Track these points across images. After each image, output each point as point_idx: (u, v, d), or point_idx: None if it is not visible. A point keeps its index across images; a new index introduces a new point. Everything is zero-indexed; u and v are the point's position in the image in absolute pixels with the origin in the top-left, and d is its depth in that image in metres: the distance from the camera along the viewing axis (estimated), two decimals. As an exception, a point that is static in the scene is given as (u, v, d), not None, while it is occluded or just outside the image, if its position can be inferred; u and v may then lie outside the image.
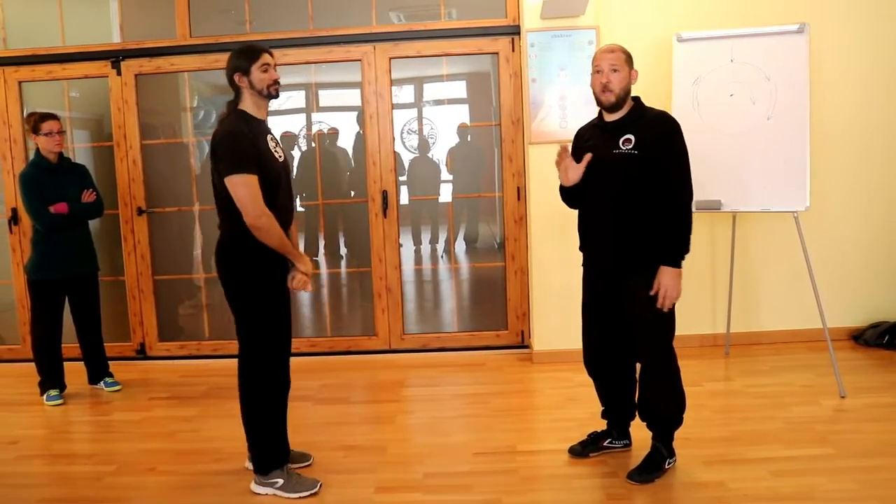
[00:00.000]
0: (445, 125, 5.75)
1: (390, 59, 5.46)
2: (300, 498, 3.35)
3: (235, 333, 3.37)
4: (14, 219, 5.65)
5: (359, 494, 3.37)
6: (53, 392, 4.86)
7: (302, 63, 5.52)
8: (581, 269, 3.61)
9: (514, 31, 5.34)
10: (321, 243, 5.89)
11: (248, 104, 3.36)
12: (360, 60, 5.47)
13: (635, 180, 3.25)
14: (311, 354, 5.61)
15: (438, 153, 5.77)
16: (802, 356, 5.06)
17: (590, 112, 5.05)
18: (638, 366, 3.49)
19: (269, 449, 3.42)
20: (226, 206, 3.28)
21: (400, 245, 5.63)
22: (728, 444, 3.72)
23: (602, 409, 3.73)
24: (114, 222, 5.72)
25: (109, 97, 5.63)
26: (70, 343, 5.06)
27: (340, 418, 4.39)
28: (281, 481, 3.39)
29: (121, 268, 5.75)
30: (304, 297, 6.15)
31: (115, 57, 5.57)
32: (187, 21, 5.53)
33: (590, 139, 3.44)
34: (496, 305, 5.71)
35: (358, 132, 5.72)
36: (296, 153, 5.82)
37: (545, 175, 5.14)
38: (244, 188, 3.16)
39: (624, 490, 3.28)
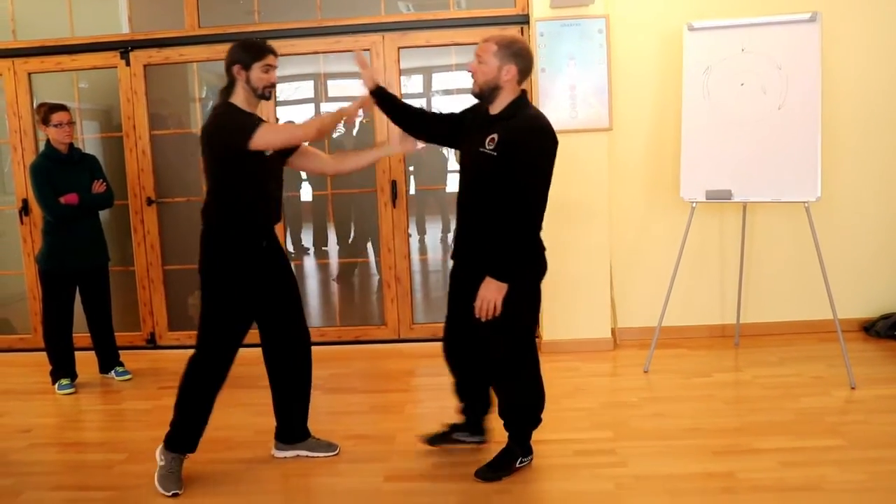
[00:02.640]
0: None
1: (399, 48, 5.44)
2: (162, 491, 3.35)
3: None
4: (25, 209, 5.67)
5: (368, 483, 3.38)
6: (65, 381, 4.89)
7: (310, 53, 5.51)
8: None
9: (524, 20, 5.32)
10: (330, 233, 5.89)
11: (239, 98, 3.35)
12: (368, 50, 5.45)
13: (490, 183, 3.15)
14: (320, 344, 5.57)
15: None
16: (813, 347, 5.05)
17: (601, 101, 5.10)
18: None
19: (181, 433, 3.44)
20: (211, 197, 3.37)
21: (409, 235, 5.63)
22: (737, 434, 3.72)
23: (459, 403, 3.64)
24: (123, 213, 5.73)
25: (119, 88, 5.63)
26: (81, 333, 5.07)
27: (349, 407, 4.40)
28: (164, 463, 3.42)
29: (130, 258, 5.77)
30: (311, 288, 6.15)
31: (124, 48, 5.57)
32: (196, 11, 5.52)
33: (470, 126, 3.33)
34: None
35: (362, 121, 5.71)
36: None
37: (555, 165, 5.11)
38: (267, 135, 3.24)
39: (634, 480, 3.28)
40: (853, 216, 5.31)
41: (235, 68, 3.31)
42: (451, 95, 5.73)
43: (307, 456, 3.66)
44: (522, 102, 3.22)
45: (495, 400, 3.48)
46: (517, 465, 3.41)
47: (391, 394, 4.62)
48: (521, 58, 3.17)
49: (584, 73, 5.10)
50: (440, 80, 5.77)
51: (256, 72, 3.31)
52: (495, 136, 3.13)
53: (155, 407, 4.52)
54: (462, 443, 3.66)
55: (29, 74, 5.66)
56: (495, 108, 3.22)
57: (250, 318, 3.48)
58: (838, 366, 4.52)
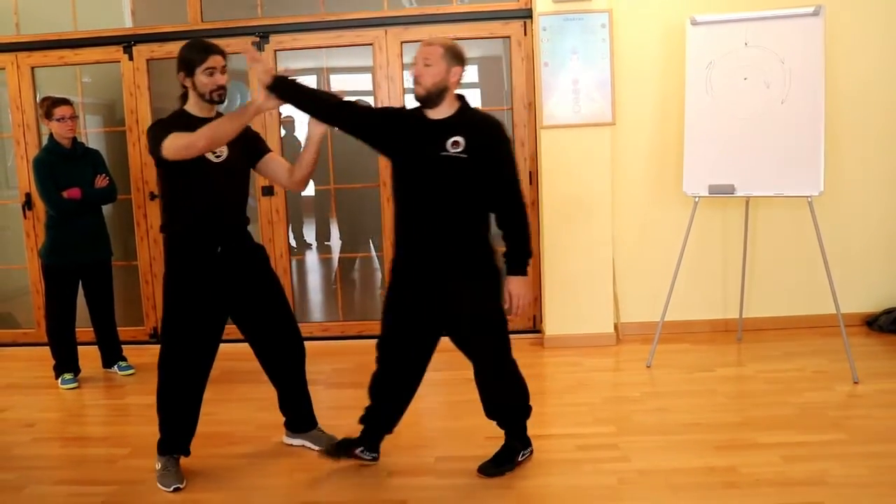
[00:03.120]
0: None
1: (402, 43, 5.43)
2: (163, 489, 3.36)
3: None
4: (28, 204, 5.67)
5: (371, 478, 3.39)
6: (68, 376, 4.90)
7: (313, 47, 5.50)
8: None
9: (527, 15, 5.31)
10: (333, 227, 5.90)
11: (191, 103, 3.33)
12: (371, 44, 5.45)
13: (464, 185, 3.14)
14: (322, 338, 5.62)
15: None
16: (815, 342, 5.04)
17: (604, 96, 5.09)
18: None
19: (162, 434, 3.45)
20: (162, 204, 3.39)
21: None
22: (740, 429, 3.72)
23: (364, 412, 3.50)
24: (126, 207, 5.74)
25: (121, 82, 5.63)
26: (84, 327, 5.08)
27: (353, 402, 4.37)
28: (159, 466, 3.44)
29: (133, 252, 5.77)
30: (314, 282, 6.16)
31: (127, 42, 5.57)
32: (199, 5, 5.52)
33: (411, 133, 3.21)
34: (508, 290, 5.70)
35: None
36: (302, 137, 5.81)
37: (557, 159, 5.13)
38: (173, 145, 3.12)
39: (636, 474, 3.29)
40: (856, 210, 5.30)
41: (181, 75, 3.27)
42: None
43: (310, 448, 3.68)
44: (470, 106, 3.25)
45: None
46: (519, 459, 3.43)
47: (394, 388, 4.62)
48: (463, 60, 3.19)
49: (587, 68, 5.09)
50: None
51: (200, 76, 3.24)
52: (459, 139, 3.11)
53: (158, 401, 4.53)
54: (361, 459, 3.49)
55: (32, 68, 5.67)
56: (442, 112, 3.18)
57: (211, 324, 3.41)
58: (841, 360, 4.52)
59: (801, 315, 5.37)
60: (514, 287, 3.19)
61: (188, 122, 3.25)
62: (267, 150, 3.56)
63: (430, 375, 4.85)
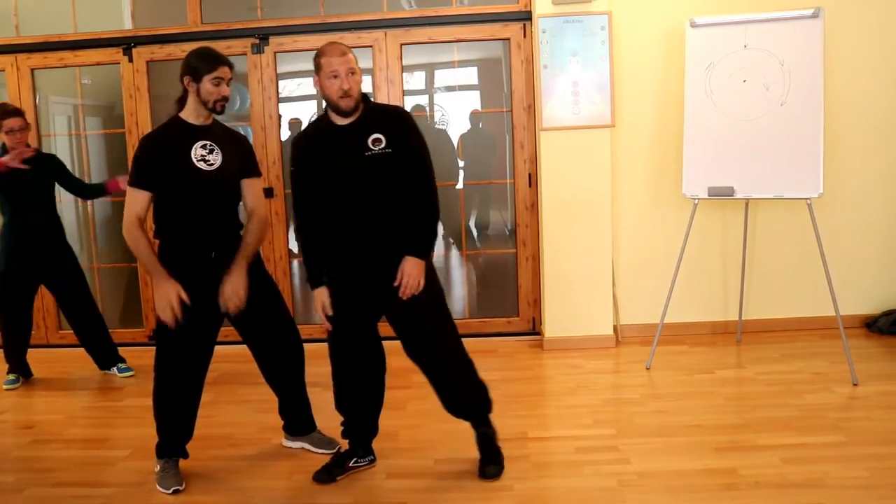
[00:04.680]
0: (457, 111, 5.74)
1: (401, 45, 5.44)
2: (162, 491, 3.36)
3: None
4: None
5: (370, 480, 3.39)
6: (11, 376, 4.95)
7: (313, 49, 5.47)
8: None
9: (526, 17, 5.31)
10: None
11: (188, 110, 3.32)
12: (371, 47, 5.45)
13: (394, 178, 3.16)
14: (322, 340, 5.59)
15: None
16: (815, 344, 5.05)
17: (603, 98, 5.09)
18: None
19: (161, 439, 3.46)
20: (155, 209, 3.38)
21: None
22: (739, 431, 3.72)
23: (343, 427, 3.51)
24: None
25: (121, 84, 5.63)
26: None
27: (352, 404, 4.40)
28: (158, 468, 3.44)
29: (132, 254, 5.75)
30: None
31: (127, 44, 5.57)
32: (198, 7, 5.52)
33: (330, 148, 3.19)
34: (507, 292, 5.71)
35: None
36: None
37: (557, 161, 5.13)
38: (128, 200, 3.26)
39: (636, 477, 3.29)
40: (855, 212, 5.31)
41: (186, 79, 3.27)
42: (452, 92, 5.73)
43: (310, 450, 3.68)
44: (369, 99, 3.28)
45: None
46: (499, 444, 3.44)
47: (394, 391, 4.58)
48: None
49: (587, 70, 5.10)
50: (442, 77, 5.77)
51: (206, 84, 3.24)
52: (378, 135, 3.14)
53: (158, 403, 4.52)
54: (358, 468, 3.49)
55: (32, 70, 5.67)
56: (348, 118, 3.18)
57: (205, 328, 3.40)
58: (840, 362, 4.52)
59: (801, 317, 5.37)
60: (409, 266, 3.16)
61: (183, 132, 3.29)
62: (249, 175, 3.49)
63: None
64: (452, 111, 5.75)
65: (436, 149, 3.53)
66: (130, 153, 5.63)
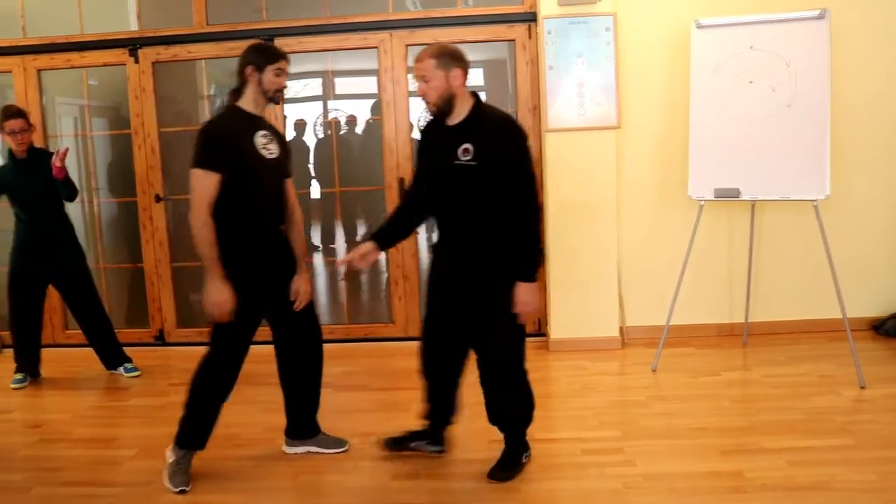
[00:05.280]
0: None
1: (407, 46, 5.44)
2: (170, 487, 3.37)
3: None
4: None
5: (377, 481, 3.40)
6: (18, 375, 4.97)
7: (318, 51, 5.51)
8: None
9: (531, 18, 5.31)
10: (338, 230, 5.90)
11: (247, 99, 3.36)
12: (376, 48, 5.46)
13: (475, 193, 3.13)
14: (328, 341, 5.57)
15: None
16: (822, 346, 5.03)
17: (608, 99, 5.09)
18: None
19: (190, 430, 3.45)
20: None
21: (416, 233, 5.62)
22: (746, 433, 3.71)
23: (426, 409, 3.61)
24: (132, 210, 5.75)
25: (127, 85, 5.64)
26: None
27: (358, 405, 4.41)
28: (173, 459, 3.44)
29: (139, 255, 5.78)
30: (320, 285, 6.16)
31: (133, 45, 5.58)
32: (204, 9, 5.53)
33: (435, 143, 3.28)
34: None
35: (368, 120, 5.72)
36: (311, 141, 5.83)
37: (562, 163, 5.12)
38: (197, 182, 3.21)
39: (642, 479, 3.28)
40: (862, 214, 5.29)
41: (248, 69, 3.32)
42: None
43: (317, 452, 3.68)
44: (482, 106, 3.21)
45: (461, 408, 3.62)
46: (523, 461, 3.44)
47: (399, 391, 4.62)
48: (460, 59, 3.17)
49: (592, 71, 5.09)
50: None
51: (269, 75, 3.32)
52: (468, 146, 3.10)
53: (164, 404, 4.53)
54: (418, 451, 3.60)
55: (38, 71, 5.68)
56: (455, 119, 3.19)
57: (261, 315, 3.47)
58: (847, 365, 4.51)
59: (807, 319, 5.35)
60: (521, 294, 3.13)
61: (243, 120, 3.34)
62: (289, 174, 3.60)
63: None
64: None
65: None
66: (136, 154, 5.64)
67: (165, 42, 5.57)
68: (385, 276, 5.85)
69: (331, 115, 5.81)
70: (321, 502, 3.27)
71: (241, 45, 5.32)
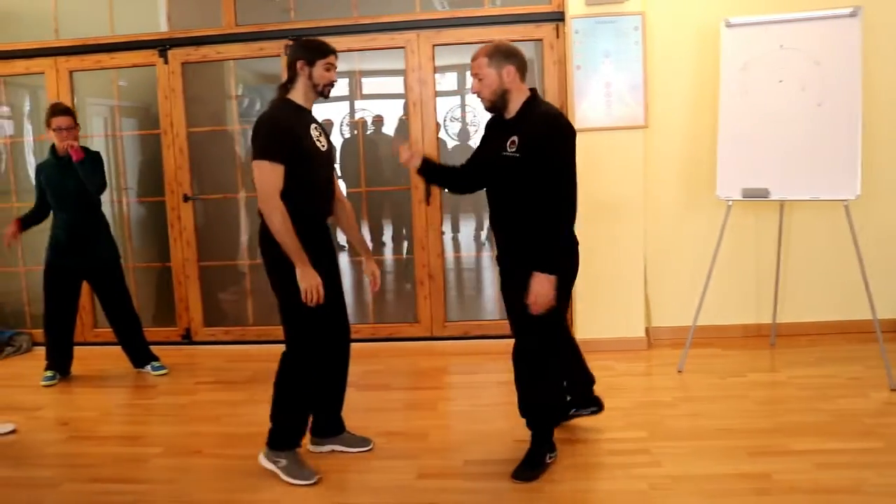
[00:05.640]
0: (488, 113, 5.72)
1: (434, 46, 5.45)
2: (296, 485, 3.38)
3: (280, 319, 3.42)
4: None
5: (400, 480, 3.40)
6: (49, 373, 5.03)
7: (345, 51, 5.52)
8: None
9: (559, 18, 5.29)
10: (364, 230, 5.92)
11: (298, 93, 3.40)
12: (403, 48, 5.47)
13: (518, 184, 3.22)
14: (353, 341, 5.62)
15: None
16: (850, 347, 4.97)
17: (636, 99, 5.07)
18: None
19: (287, 429, 3.47)
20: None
21: (442, 233, 5.64)
22: (773, 435, 3.68)
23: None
24: (160, 209, 5.81)
25: (157, 86, 5.70)
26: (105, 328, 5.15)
27: (382, 404, 4.42)
28: (285, 462, 3.44)
29: (167, 254, 5.84)
30: (346, 284, 6.17)
31: (162, 46, 5.64)
32: (233, 9, 5.57)
33: (493, 135, 3.42)
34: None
35: (401, 117, 5.73)
36: (337, 141, 5.84)
37: (589, 162, 5.09)
38: (265, 174, 3.22)
39: (668, 480, 3.26)
40: (893, 215, 5.22)
41: (299, 63, 3.36)
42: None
43: (342, 451, 3.69)
44: (534, 101, 3.28)
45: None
46: (547, 461, 3.43)
47: (424, 391, 4.63)
48: (514, 55, 3.25)
49: (620, 71, 5.07)
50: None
51: (319, 69, 3.36)
52: (515, 138, 3.20)
53: (191, 402, 4.57)
54: (580, 416, 3.84)
55: (70, 72, 5.76)
56: (510, 113, 3.30)
57: (335, 301, 3.50)
58: (877, 367, 4.45)
59: (836, 320, 5.29)
60: (534, 284, 3.14)
61: (297, 112, 3.38)
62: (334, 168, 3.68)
63: (458, 378, 4.89)
64: (484, 112, 5.73)
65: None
66: (165, 154, 5.69)
67: (195, 43, 5.62)
68: (410, 275, 5.85)
69: (357, 115, 5.83)
70: (346, 501, 3.27)
71: (269, 46, 5.47)
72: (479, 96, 3.32)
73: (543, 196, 3.13)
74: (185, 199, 5.72)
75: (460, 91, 5.80)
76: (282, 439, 3.47)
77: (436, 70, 5.49)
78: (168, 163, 5.73)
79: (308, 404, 3.51)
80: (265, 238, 3.34)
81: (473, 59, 3.29)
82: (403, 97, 5.56)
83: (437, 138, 5.54)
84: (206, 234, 5.85)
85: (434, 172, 3.62)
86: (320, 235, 3.48)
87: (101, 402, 4.70)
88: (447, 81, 5.77)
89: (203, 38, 5.60)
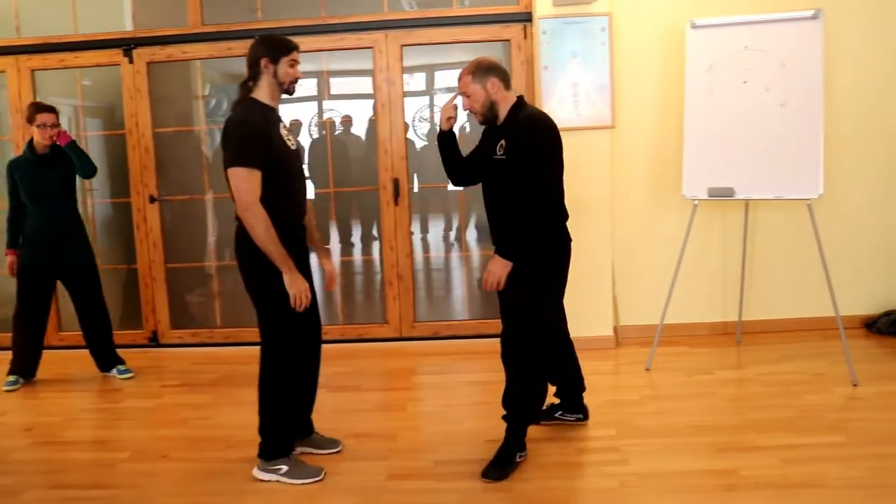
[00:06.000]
0: (457, 113, 5.72)
1: (402, 46, 5.44)
2: (304, 484, 3.37)
3: (257, 322, 3.38)
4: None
5: (370, 481, 3.39)
6: (11, 377, 4.94)
7: (313, 51, 5.50)
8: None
9: (527, 18, 5.31)
10: (333, 231, 5.89)
11: (262, 92, 3.33)
12: (371, 48, 5.45)
13: (506, 185, 3.34)
14: (322, 342, 5.61)
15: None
16: (815, 344, 5.05)
17: (603, 99, 5.10)
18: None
19: (278, 436, 3.44)
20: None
21: (411, 233, 5.63)
22: (739, 431, 3.72)
23: (555, 385, 3.86)
24: (126, 210, 5.74)
25: (122, 85, 5.63)
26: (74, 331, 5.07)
27: (352, 406, 4.40)
28: (285, 468, 3.41)
29: (133, 255, 5.77)
30: (315, 285, 6.15)
31: (127, 45, 5.58)
32: (199, 9, 5.52)
33: (487, 143, 3.55)
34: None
35: (371, 118, 5.71)
36: (305, 141, 5.82)
37: (557, 163, 5.12)
38: (243, 181, 3.15)
39: (637, 478, 3.28)
40: (855, 213, 5.30)
41: (263, 62, 3.30)
42: (453, 93, 5.72)
43: (311, 452, 3.67)
44: (519, 106, 3.42)
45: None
46: (517, 460, 3.45)
47: (394, 392, 4.63)
48: (494, 69, 3.41)
49: (587, 71, 5.10)
50: (443, 78, 5.77)
51: (284, 66, 3.32)
52: (503, 141, 3.36)
53: (157, 405, 4.53)
54: (563, 421, 3.87)
55: (32, 71, 5.67)
56: (500, 121, 3.45)
57: (311, 304, 3.46)
58: (840, 363, 4.52)
59: (801, 317, 5.37)
60: (491, 263, 3.33)
61: (266, 112, 3.32)
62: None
63: (428, 378, 4.89)
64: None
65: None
66: (131, 154, 5.63)
67: (160, 42, 5.56)
68: (380, 276, 5.84)
69: (326, 116, 5.80)
70: (315, 503, 3.26)
71: (236, 46, 5.43)
72: (471, 112, 3.47)
73: (522, 192, 3.24)
74: (152, 200, 5.66)
75: (429, 91, 5.79)
76: (277, 447, 3.44)
77: (404, 70, 5.49)
78: (133, 163, 5.66)
79: (289, 407, 3.47)
80: (241, 242, 3.30)
81: (459, 79, 3.44)
82: (372, 97, 5.55)
83: (406, 139, 5.53)
84: (172, 235, 5.79)
85: (452, 146, 3.70)
86: (297, 237, 3.46)
87: (66, 407, 4.63)
88: (416, 82, 5.76)
89: (168, 38, 5.55)
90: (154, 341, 5.80)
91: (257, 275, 3.29)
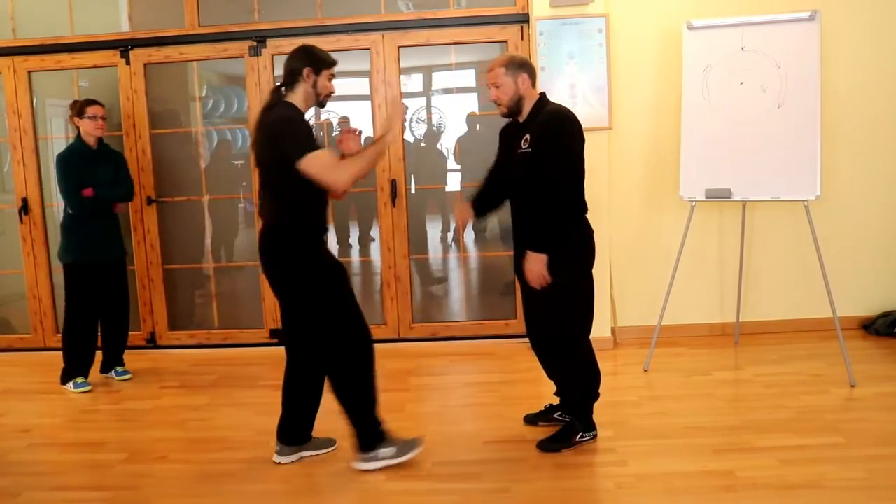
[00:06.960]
0: (454, 114, 5.74)
1: (399, 47, 5.44)
2: (412, 457, 3.49)
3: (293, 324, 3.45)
4: (25, 208, 5.67)
5: (369, 482, 3.39)
6: (80, 379, 4.89)
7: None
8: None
9: (524, 20, 5.32)
10: (331, 232, 5.89)
11: (297, 98, 3.41)
12: (368, 49, 5.45)
13: (531, 177, 3.42)
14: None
15: (447, 142, 5.77)
16: (812, 345, 5.05)
17: (600, 100, 5.10)
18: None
19: (372, 425, 3.48)
20: (277, 194, 3.36)
21: (409, 234, 5.62)
22: (737, 432, 3.72)
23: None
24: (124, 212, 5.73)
25: (118, 86, 5.63)
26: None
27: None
28: (388, 450, 3.47)
29: (131, 257, 5.76)
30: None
31: (124, 46, 5.57)
32: (196, 10, 5.52)
33: (509, 139, 3.64)
34: (505, 294, 5.71)
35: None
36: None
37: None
38: (318, 160, 3.24)
39: (634, 479, 3.28)
40: (852, 214, 5.31)
41: (307, 71, 3.37)
42: (450, 94, 5.74)
43: (310, 455, 3.65)
44: (543, 102, 3.55)
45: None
46: (577, 440, 3.60)
47: (391, 393, 4.61)
48: (526, 65, 3.53)
49: (584, 72, 5.10)
50: (440, 79, 5.77)
51: (324, 79, 3.41)
52: (528, 136, 3.45)
53: (155, 407, 4.52)
54: (559, 422, 3.83)
55: (29, 73, 5.66)
56: (523, 116, 3.55)
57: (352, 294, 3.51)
58: (838, 364, 4.52)
59: (798, 319, 5.37)
60: (528, 262, 3.41)
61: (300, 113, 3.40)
62: None
63: (426, 380, 4.89)
64: (450, 113, 5.75)
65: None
66: (128, 155, 5.61)
67: (157, 43, 5.55)
68: (378, 277, 5.84)
69: (323, 117, 5.80)
70: (316, 503, 3.26)
71: (233, 47, 5.43)
72: (496, 103, 3.55)
73: (546, 186, 3.34)
74: (150, 201, 5.65)
75: (426, 92, 5.79)
76: (374, 437, 3.48)
77: (401, 71, 5.49)
78: (131, 165, 5.64)
79: (371, 395, 3.50)
80: (276, 250, 3.37)
81: (490, 70, 3.51)
82: (369, 98, 5.55)
83: (403, 140, 5.53)
84: (169, 237, 5.78)
85: (485, 208, 3.82)
86: (324, 240, 3.51)
87: (65, 409, 4.62)
88: (413, 83, 5.76)
89: (165, 39, 5.54)
90: (152, 342, 5.79)
91: (298, 279, 3.36)
